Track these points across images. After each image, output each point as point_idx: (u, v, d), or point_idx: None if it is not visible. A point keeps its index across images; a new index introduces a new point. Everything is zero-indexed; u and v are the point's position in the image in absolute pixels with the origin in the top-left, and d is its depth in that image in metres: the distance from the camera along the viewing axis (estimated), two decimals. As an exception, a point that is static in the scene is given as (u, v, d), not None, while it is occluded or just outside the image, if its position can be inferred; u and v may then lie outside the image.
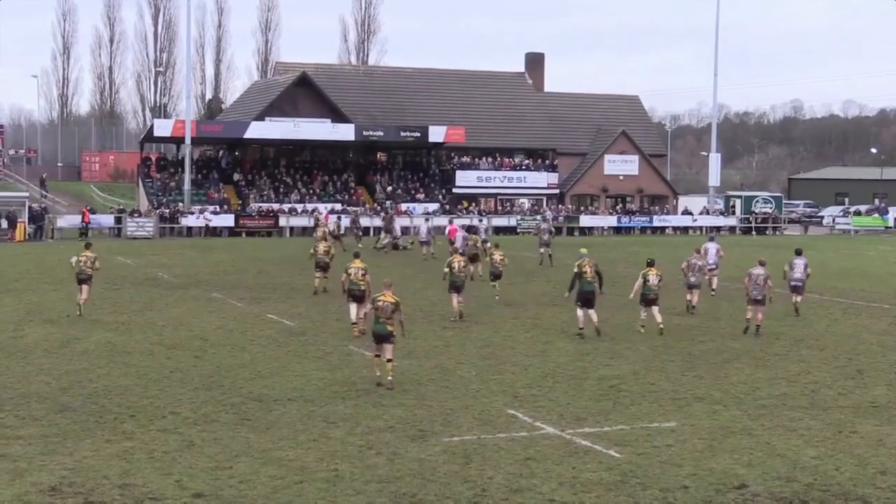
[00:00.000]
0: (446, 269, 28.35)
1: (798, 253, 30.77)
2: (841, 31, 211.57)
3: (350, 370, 20.38)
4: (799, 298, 29.82)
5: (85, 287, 27.80)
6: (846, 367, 21.49)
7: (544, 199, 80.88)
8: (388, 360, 18.80)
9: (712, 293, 33.35)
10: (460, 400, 17.78)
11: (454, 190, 78.31)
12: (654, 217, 78.96)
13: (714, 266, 34.05)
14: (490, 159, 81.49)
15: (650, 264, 26.38)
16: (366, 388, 18.68)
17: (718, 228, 78.90)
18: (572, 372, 20.52)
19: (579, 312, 25.24)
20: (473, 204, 76.99)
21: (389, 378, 18.72)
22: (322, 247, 33.88)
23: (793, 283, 30.06)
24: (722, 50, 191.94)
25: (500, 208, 78.11)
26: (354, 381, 19.23)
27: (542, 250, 45.25)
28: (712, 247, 34.42)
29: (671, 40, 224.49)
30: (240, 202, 71.28)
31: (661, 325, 25.70)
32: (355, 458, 14.19)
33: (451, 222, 54.30)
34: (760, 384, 19.57)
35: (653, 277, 25.94)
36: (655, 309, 25.98)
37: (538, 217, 71.95)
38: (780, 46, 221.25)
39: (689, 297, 30.41)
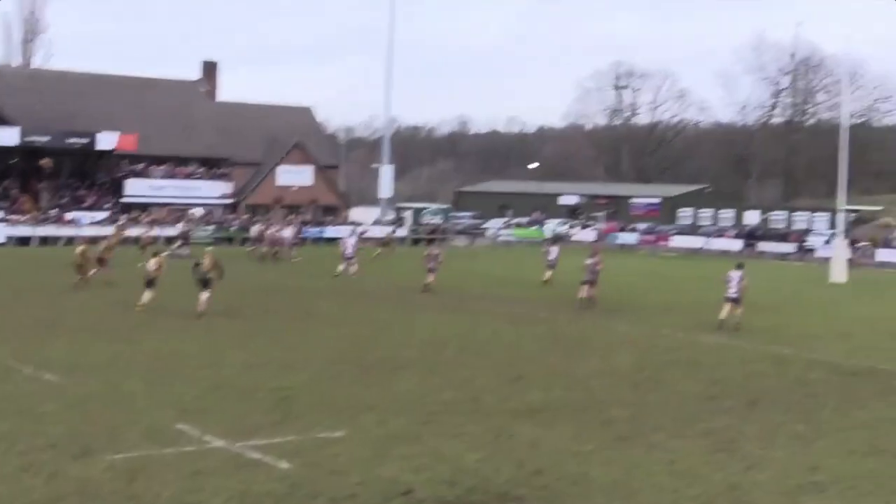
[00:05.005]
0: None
1: (553, 243, 48.16)
2: (506, 52, 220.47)
3: (10, 385, 19.45)
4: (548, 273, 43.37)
5: None
6: (507, 373, 22.48)
7: (220, 208, 79.98)
8: None
9: None
10: (127, 415, 17.33)
11: (124, 199, 76.11)
12: (327, 228, 79.63)
13: None
14: (163, 168, 79.77)
15: (206, 253, 31.62)
16: (27, 405, 17.90)
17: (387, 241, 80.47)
18: (244, 383, 20.43)
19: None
20: (145, 214, 75.06)
21: None
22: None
23: (549, 262, 44.19)
24: (395, 64, 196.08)
25: (172, 217, 76.46)
26: (15, 398, 18.38)
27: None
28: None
29: (346, 53, 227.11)
30: None
31: (201, 311, 29.59)
32: (11, 479, 13.56)
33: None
34: (428, 391, 20.17)
35: (207, 261, 30.40)
36: (205, 295, 29.89)
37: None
38: (451, 63, 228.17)
39: (429, 279, 39.51)
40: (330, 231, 78.71)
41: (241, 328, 28.32)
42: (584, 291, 36.23)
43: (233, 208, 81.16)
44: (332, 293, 39.10)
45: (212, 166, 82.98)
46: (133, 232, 60.21)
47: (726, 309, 31.37)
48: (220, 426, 16.71)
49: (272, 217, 72.79)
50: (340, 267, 45.83)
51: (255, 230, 61.78)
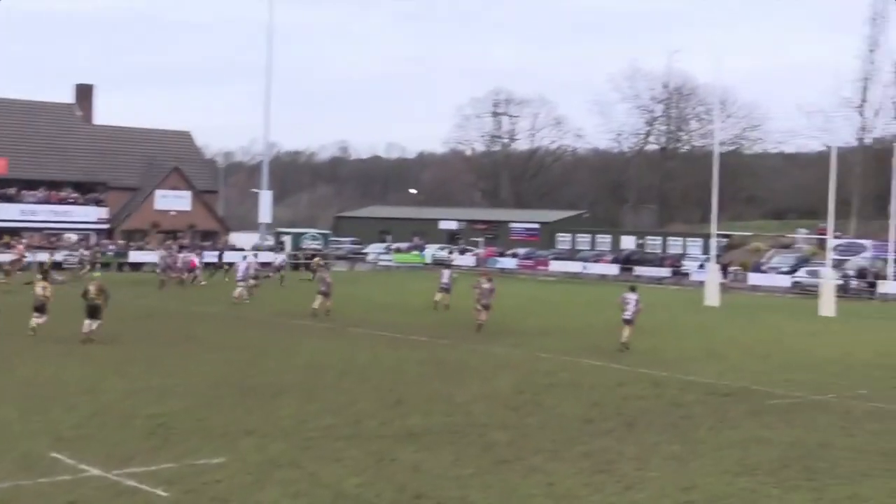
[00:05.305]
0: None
1: (446, 267, 49.01)
2: (387, 79, 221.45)
3: None
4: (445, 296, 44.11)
5: None
6: (387, 398, 22.50)
7: (93, 233, 78.50)
8: None
9: None
10: (-1, 444, 16.93)
11: (-5, 223, 74.22)
12: (206, 253, 78.69)
13: None
14: (36, 192, 77.99)
15: (93, 280, 31.83)
16: None
17: (269, 263, 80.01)
18: (122, 410, 20.09)
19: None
20: (15, 239, 73.25)
21: None
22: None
23: (442, 285, 44.97)
24: (275, 90, 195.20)
25: (46, 243, 74.78)
26: None
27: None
28: None
29: (226, 77, 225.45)
30: None
31: (89, 337, 29.66)
32: None
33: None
34: (308, 416, 20.09)
35: (93, 288, 30.20)
36: (95, 323, 29.91)
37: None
38: (331, 89, 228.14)
39: (327, 302, 40.36)
40: (208, 256, 78.01)
41: (119, 354, 27.86)
42: (481, 317, 36.95)
43: (109, 233, 79.71)
44: (212, 318, 38.71)
45: (87, 191, 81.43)
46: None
47: (626, 331, 32.38)
48: (97, 454, 16.41)
49: (166, 244, 72.62)
50: (238, 290, 46.70)
51: (161, 257, 61.45)
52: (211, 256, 69.17)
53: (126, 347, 29.47)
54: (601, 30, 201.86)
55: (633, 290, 33.63)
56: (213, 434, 18.22)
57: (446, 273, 46.50)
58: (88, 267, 58.89)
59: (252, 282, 48.67)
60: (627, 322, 32.44)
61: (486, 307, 36.94)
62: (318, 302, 40.54)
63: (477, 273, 50.03)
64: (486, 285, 37.35)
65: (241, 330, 35.14)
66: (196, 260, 59.81)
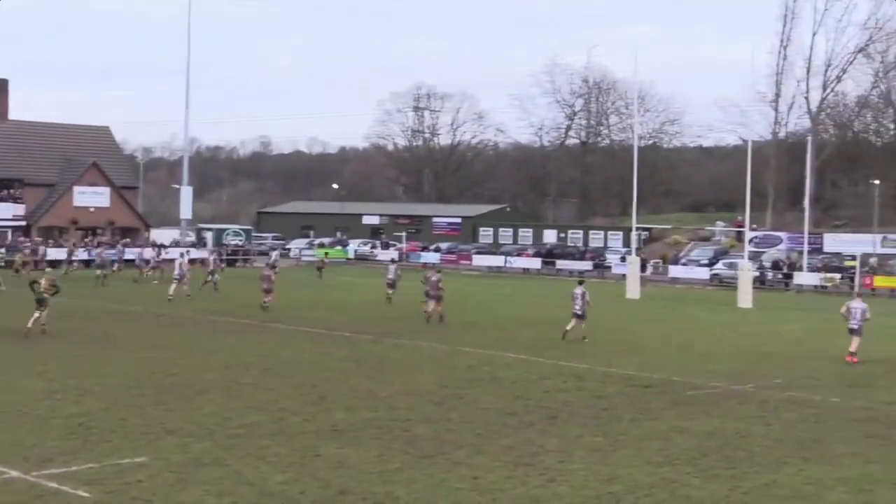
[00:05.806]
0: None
1: (392, 262, 49.63)
2: (307, 72, 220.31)
3: None
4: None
5: None
6: (311, 394, 22.45)
7: (9, 231, 77.14)
8: None
9: None
10: (-87, 448, 16.60)
11: None
12: (126, 249, 77.67)
13: None
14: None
15: (45, 274, 33.55)
16: None
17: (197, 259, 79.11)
18: (38, 411, 19.79)
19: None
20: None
21: None
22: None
23: (388, 280, 46.25)
24: (195, 85, 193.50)
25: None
26: None
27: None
28: None
29: (145, 72, 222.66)
30: None
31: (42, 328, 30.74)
32: None
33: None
34: (231, 414, 19.97)
35: (44, 282, 31.66)
36: (44, 313, 31.04)
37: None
38: (251, 84, 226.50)
39: (266, 299, 40.97)
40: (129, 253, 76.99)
41: (35, 354, 27.43)
42: (429, 306, 37.91)
43: (26, 230, 78.37)
44: (131, 317, 38.28)
45: (3, 187, 79.95)
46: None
47: (572, 323, 33.23)
48: (15, 456, 16.15)
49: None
50: (172, 287, 46.46)
51: (148, 253, 64.33)
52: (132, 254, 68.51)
53: (42, 347, 29.02)
54: (521, 25, 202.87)
55: (580, 283, 34.65)
56: (134, 433, 18.03)
57: (392, 268, 47.53)
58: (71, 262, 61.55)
59: (211, 277, 51.40)
60: (578, 317, 33.26)
61: (438, 298, 37.79)
62: (267, 298, 41.45)
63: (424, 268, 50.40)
64: (433, 277, 38.27)
65: (161, 328, 34.81)
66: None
